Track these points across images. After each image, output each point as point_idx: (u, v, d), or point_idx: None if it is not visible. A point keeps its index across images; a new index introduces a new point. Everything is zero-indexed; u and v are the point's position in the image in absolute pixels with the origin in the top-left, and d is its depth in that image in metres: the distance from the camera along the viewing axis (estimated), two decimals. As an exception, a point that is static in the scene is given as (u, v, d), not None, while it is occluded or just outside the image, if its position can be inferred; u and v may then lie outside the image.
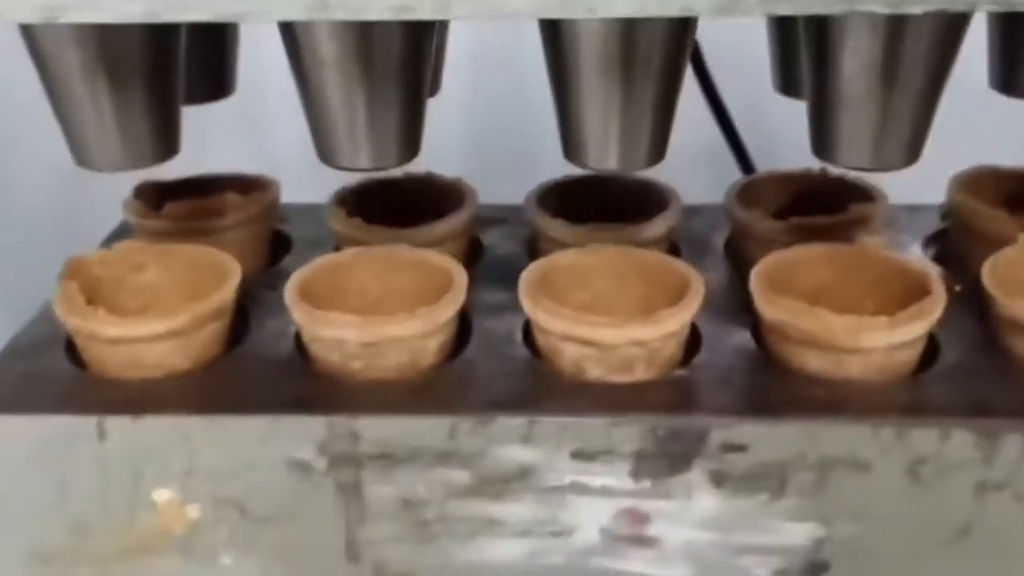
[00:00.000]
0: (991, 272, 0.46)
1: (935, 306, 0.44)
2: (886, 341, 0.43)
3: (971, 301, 0.48)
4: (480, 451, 0.42)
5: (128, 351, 0.44)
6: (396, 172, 0.58)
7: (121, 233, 0.57)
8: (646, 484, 0.42)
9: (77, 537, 0.44)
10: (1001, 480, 0.41)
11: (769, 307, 0.44)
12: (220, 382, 0.45)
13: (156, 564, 0.45)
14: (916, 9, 0.33)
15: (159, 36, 0.40)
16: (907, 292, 0.46)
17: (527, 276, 0.47)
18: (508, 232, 0.59)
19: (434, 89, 0.54)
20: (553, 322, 0.44)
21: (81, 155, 0.42)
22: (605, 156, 0.42)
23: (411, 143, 0.43)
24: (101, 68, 0.40)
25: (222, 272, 0.48)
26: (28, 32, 0.39)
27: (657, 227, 0.53)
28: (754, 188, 0.56)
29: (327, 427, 0.41)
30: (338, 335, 0.43)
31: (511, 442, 0.42)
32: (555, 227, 0.53)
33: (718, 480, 0.42)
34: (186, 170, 0.57)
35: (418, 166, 0.56)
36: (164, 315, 0.44)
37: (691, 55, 0.62)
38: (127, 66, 0.40)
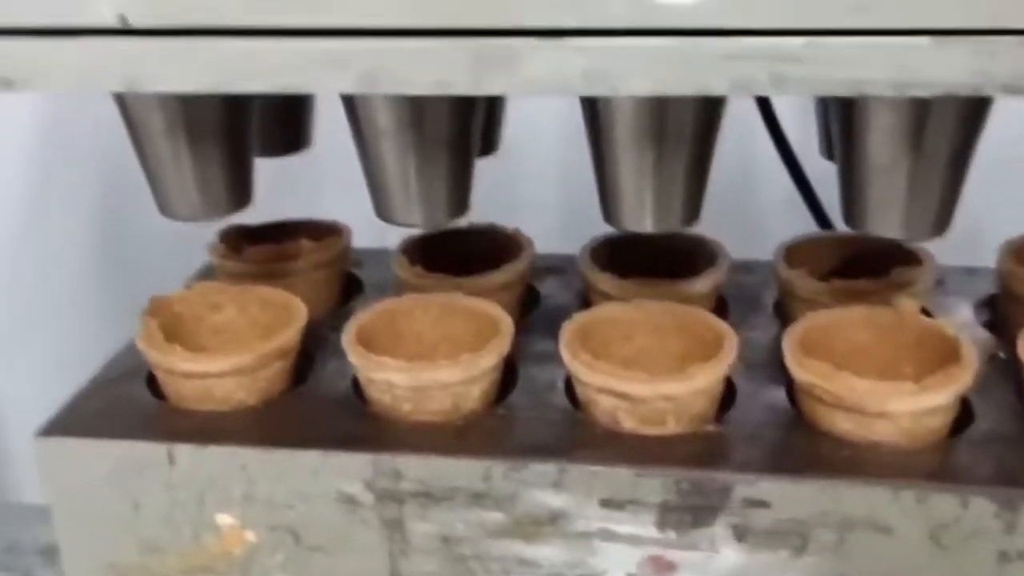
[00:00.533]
0: (1026, 341, 0.47)
1: (963, 373, 0.44)
2: (912, 406, 0.43)
3: (1015, 368, 0.48)
4: (513, 494, 0.44)
5: (199, 385, 0.48)
6: (461, 222, 0.62)
7: (207, 272, 0.61)
8: (671, 534, 0.44)
9: (148, 554, 0.48)
10: (1023, 550, 0.41)
11: (799, 368, 0.46)
12: (281, 417, 0.48)
13: (217, 583, 0.48)
14: (921, 93, 0.34)
15: (232, 101, 0.44)
16: (942, 357, 0.46)
17: (569, 328, 0.49)
18: (565, 282, 0.61)
19: (491, 148, 0.57)
20: (589, 375, 0.46)
21: (164, 206, 0.46)
22: (641, 219, 0.45)
23: (460, 202, 0.46)
24: (181, 129, 0.44)
25: (290, 314, 0.51)
26: (118, 98, 0.43)
27: (702, 284, 0.54)
28: (803, 248, 0.58)
29: (372, 464, 0.44)
30: (388, 378, 0.46)
31: (543, 487, 0.44)
32: (603, 280, 0.55)
33: (741, 534, 0.43)
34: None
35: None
36: (232, 353, 0.48)
37: (764, 113, 0.64)
38: (204, 127, 0.44)
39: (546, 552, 0.45)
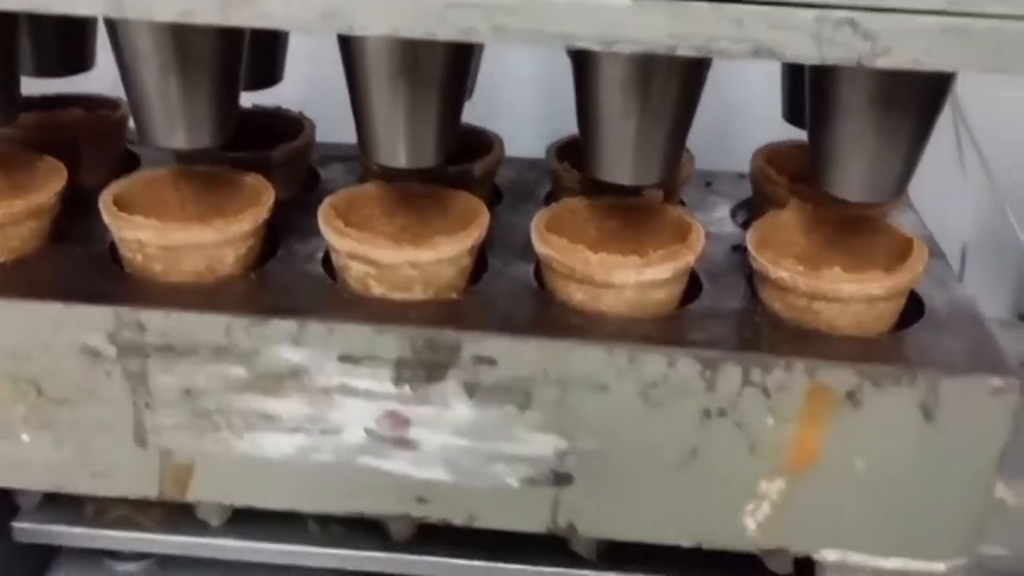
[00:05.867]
0: (755, 231, 0.53)
1: (687, 252, 0.50)
2: (635, 278, 0.49)
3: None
4: (254, 349, 0.48)
5: (-51, 240, 0.50)
6: (247, 105, 0.64)
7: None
8: (406, 389, 0.48)
9: None
10: (723, 407, 0.47)
11: (540, 243, 0.50)
12: (29, 273, 0.50)
13: (-38, 438, 0.50)
14: (624, 49, 0.39)
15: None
16: (678, 240, 0.52)
17: (331, 200, 0.53)
18: (350, 168, 0.65)
19: (272, 80, 0.61)
20: (339, 241, 0.50)
21: None
22: (395, 155, 0.49)
23: (224, 126, 0.50)
24: None
25: (50, 177, 0.53)
26: None
27: (474, 169, 0.59)
28: (575, 144, 0.62)
29: (115, 317, 0.47)
30: (139, 237, 0.49)
31: (282, 342, 0.47)
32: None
33: (471, 390, 0.48)
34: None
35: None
36: (-21, 210, 0.49)
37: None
38: None
39: (287, 406, 0.49)
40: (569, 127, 0.53)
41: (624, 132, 0.47)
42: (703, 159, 0.63)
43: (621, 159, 0.48)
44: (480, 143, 0.62)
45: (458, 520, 0.51)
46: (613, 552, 0.57)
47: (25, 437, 0.50)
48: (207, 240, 0.49)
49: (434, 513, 0.50)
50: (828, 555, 0.50)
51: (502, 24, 0.38)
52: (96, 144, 0.61)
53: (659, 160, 0.48)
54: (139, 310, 0.47)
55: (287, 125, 0.64)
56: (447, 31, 0.38)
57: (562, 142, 0.63)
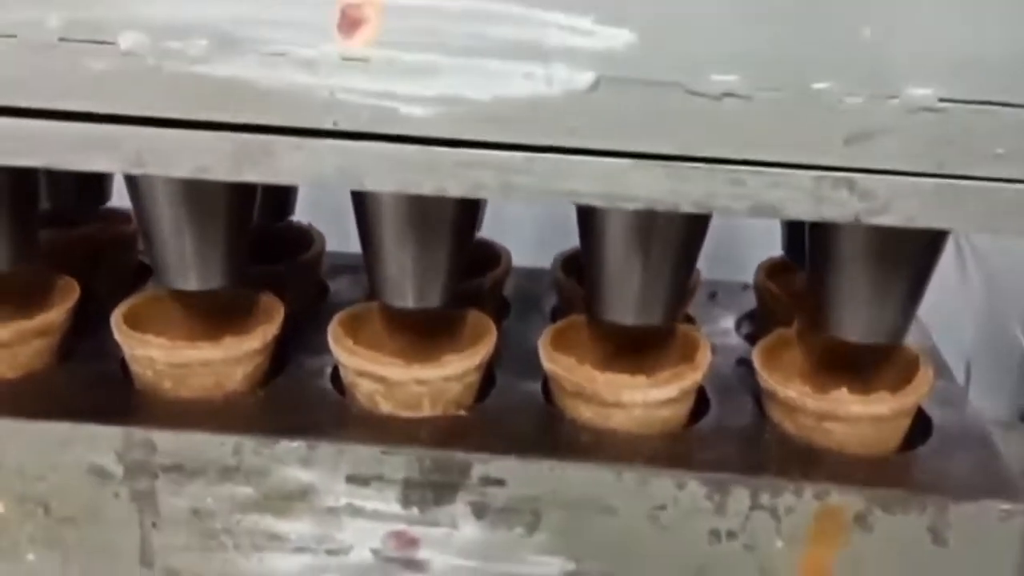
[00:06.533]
0: (760, 349, 0.53)
1: (693, 372, 0.50)
2: (643, 398, 0.49)
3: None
4: (263, 469, 0.48)
5: (-39, 358, 0.51)
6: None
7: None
8: (414, 511, 0.48)
9: None
10: (732, 530, 0.48)
11: (547, 361, 0.51)
12: (40, 390, 0.51)
13: (-33, 557, 0.50)
14: (627, 205, 0.40)
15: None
16: (685, 356, 0.53)
17: (340, 317, 0.54)
18: (358, 279, 0.66)
19: (285, 214, 0.64)
20: (348, 359, 0.50)
21: None
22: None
23: (235, 268, 0.51)
24: None
25: (61, 295, 0.54)
26: None
27: (479, 284, 0.60)
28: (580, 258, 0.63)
29: (124, 436, 0.48)
30: (149, 355, 0.50)
31: (291, 463, 0.48)
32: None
33: (479, 512, 0.48)
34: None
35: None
36: (-10, 330, 0.50)
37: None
38: None
39: (295, 527, 0.49)
40: (573, 237, 0.54)
41: (627, 278, 0.49)
42: (708, 268, 0.64)
43: (624, 302, 0.50)
44: (488, 256, 0.63)
45: (465, 644, 0.50)
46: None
47: (31, 556, 0.50)
48: (216, 358, 0.50)
49: (441, 637, 0.50)
50: None
51: (510, 182, 0.40)
52: (109, 257, 0.62)
53: (662, 301, 0.50)
54: (148, 430, 0.48)
55: (297, 237, 0.65)
56: (457, 188, 0.40)
57: (567, 254, 0.64)
